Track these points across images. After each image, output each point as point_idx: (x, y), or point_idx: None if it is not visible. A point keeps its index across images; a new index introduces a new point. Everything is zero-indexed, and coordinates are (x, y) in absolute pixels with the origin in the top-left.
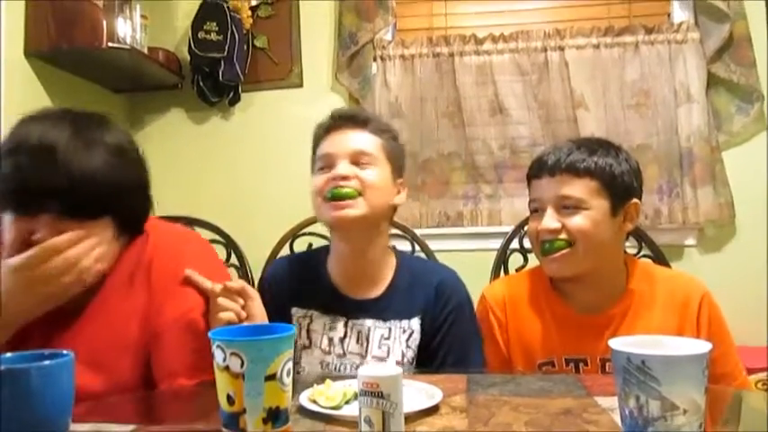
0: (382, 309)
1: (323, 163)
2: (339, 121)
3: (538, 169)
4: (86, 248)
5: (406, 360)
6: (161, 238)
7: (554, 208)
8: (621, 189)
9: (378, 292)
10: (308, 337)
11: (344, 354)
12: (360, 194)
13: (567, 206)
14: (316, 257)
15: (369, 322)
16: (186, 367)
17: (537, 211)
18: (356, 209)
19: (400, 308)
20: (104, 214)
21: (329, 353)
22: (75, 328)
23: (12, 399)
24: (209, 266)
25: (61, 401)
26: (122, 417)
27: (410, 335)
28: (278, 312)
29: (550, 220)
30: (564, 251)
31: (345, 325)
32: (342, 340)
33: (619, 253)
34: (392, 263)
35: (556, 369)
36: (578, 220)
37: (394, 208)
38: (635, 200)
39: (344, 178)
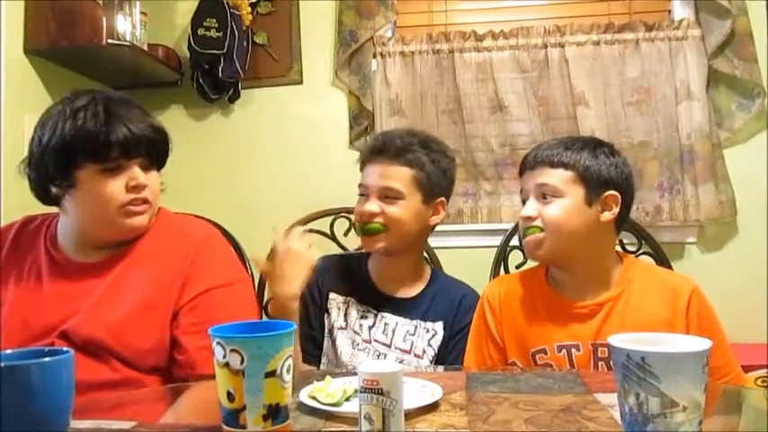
0: (410, 309)
1: (361, 190)
2: (371, 154)
3: (522, 165)
4: None
5: (426, 356)
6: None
7: (535, 197)
8: (597, 180)
9: (409, 294)
10: (345, 320)
11: (371, 340)
12: (386, 228)
13: (545, 194)
14: (359, 257)
15: (396, 318)
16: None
17: (524, 202)
18: (382, 242)
19: (426, 311)
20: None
21: (359, 334)
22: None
23: (12, 396)
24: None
25: (61, 398)
26: (122, 414)
27: (433, 335)
28: (318, 295)
29: (528, 209)
30: (535, 235)
31: (375, 316)
32: (370, 328)
33: (601, 241)
34: (426, 274)
35: (549, 356)
36: (551, 209)
37: (431, 227)
38: (612, 191)
39: (372, 215)
